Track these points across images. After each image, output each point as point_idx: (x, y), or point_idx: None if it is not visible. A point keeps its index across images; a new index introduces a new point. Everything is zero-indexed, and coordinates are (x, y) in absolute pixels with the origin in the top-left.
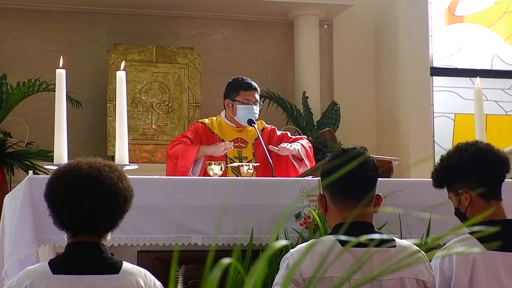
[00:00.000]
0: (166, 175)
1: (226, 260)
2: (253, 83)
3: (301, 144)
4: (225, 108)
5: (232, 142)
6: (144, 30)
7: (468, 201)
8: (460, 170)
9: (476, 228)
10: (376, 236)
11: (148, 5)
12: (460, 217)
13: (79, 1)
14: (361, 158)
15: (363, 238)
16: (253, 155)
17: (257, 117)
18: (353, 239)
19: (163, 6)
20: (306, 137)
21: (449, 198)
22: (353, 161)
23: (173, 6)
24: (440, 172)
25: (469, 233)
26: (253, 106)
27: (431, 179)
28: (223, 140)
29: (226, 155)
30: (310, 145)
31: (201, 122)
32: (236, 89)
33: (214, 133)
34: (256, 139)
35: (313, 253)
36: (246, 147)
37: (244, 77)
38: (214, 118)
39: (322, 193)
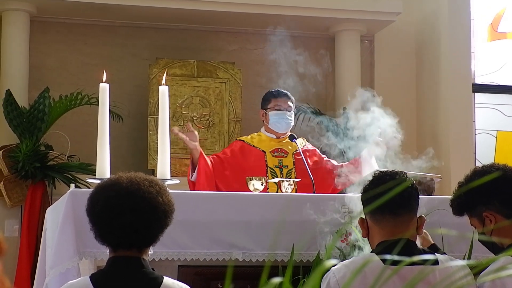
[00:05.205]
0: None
1: (277, 279)
2: (284, 91)
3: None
4: (263, 122)
5: (177, 128)
6: (185, 45)
7: (493, 223)
8: (482, 192)
9: None
10: (428, 256)
11: (190, 20)
12: (485, 240)
13: (121, 15)
14: (405, 184)
15: (417, 258)
16: (294, 164)
17: (292, 123)
18: (398, 258)
19: (204, 21)
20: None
21: (471, 224)
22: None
23: (215, 21)
24: (461, 197)
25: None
26: (286, 112)
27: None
28: (264, 152)
29: (267, 164)
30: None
31: (240, 140)
32: (268, 97)
33: (253, 146)
34: (296, 150)
35: (352, 271)
36: (286, 156)
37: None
38: (255, 134)
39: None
